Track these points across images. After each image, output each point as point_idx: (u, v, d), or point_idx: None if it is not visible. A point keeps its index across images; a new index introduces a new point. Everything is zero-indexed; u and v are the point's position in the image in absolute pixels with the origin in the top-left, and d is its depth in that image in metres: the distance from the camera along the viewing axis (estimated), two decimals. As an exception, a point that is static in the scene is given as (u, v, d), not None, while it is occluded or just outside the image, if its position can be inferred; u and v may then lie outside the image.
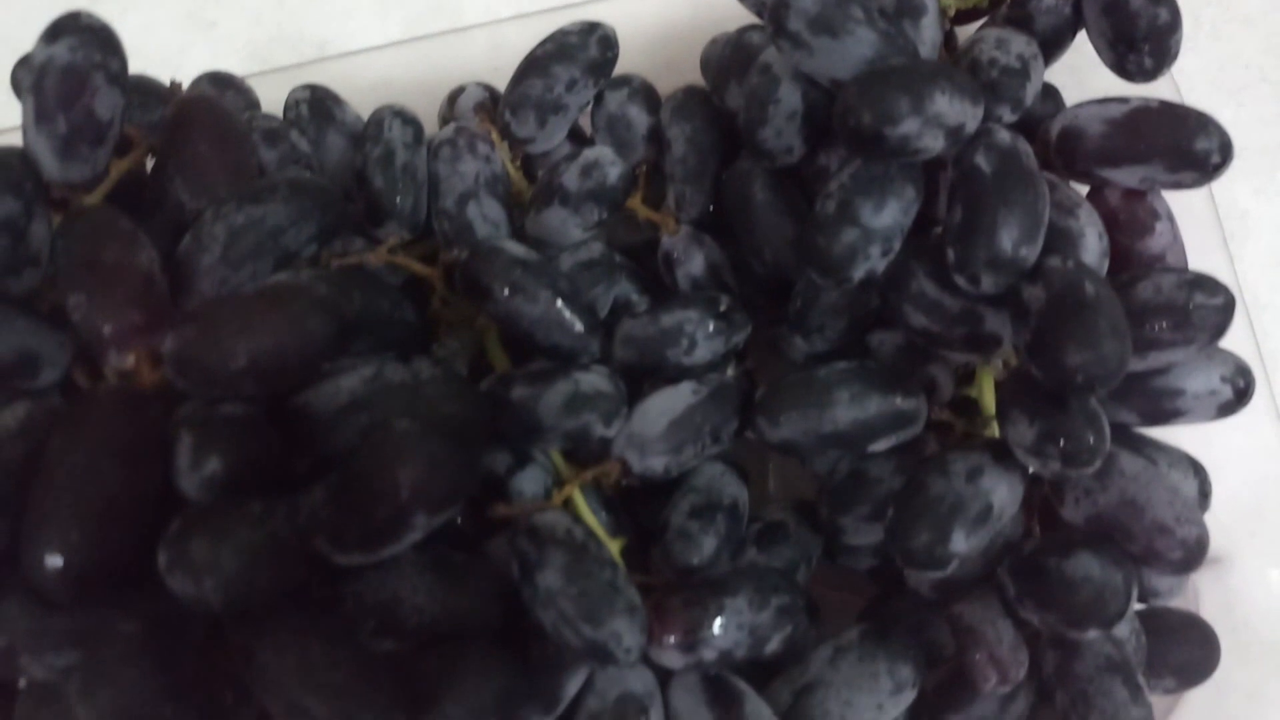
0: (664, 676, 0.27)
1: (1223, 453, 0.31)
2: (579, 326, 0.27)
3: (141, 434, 0.22)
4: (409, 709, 0.22)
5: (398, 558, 0.24)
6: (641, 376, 0.29)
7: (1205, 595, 0.34)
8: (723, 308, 0.29)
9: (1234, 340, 0.28)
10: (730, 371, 0.30)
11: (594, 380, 0.27)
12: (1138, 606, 0.30)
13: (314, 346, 0.22)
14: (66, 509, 0.20)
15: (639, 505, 0.30)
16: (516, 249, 0.27)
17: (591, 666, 0.26)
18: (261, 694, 0.22)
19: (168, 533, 0.20)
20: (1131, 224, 0.30)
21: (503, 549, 0.27)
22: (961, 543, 0.26)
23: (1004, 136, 0.27)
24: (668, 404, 0.28)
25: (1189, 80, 0.34)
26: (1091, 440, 0.25)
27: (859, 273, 0.27)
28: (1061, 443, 0.25)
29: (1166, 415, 0.29)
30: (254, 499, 0.20)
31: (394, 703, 0.21)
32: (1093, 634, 0.26)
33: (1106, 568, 0.26)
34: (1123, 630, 0.28)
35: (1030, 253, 0.26)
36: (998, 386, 0.29)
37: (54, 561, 0.20)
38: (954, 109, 0.26)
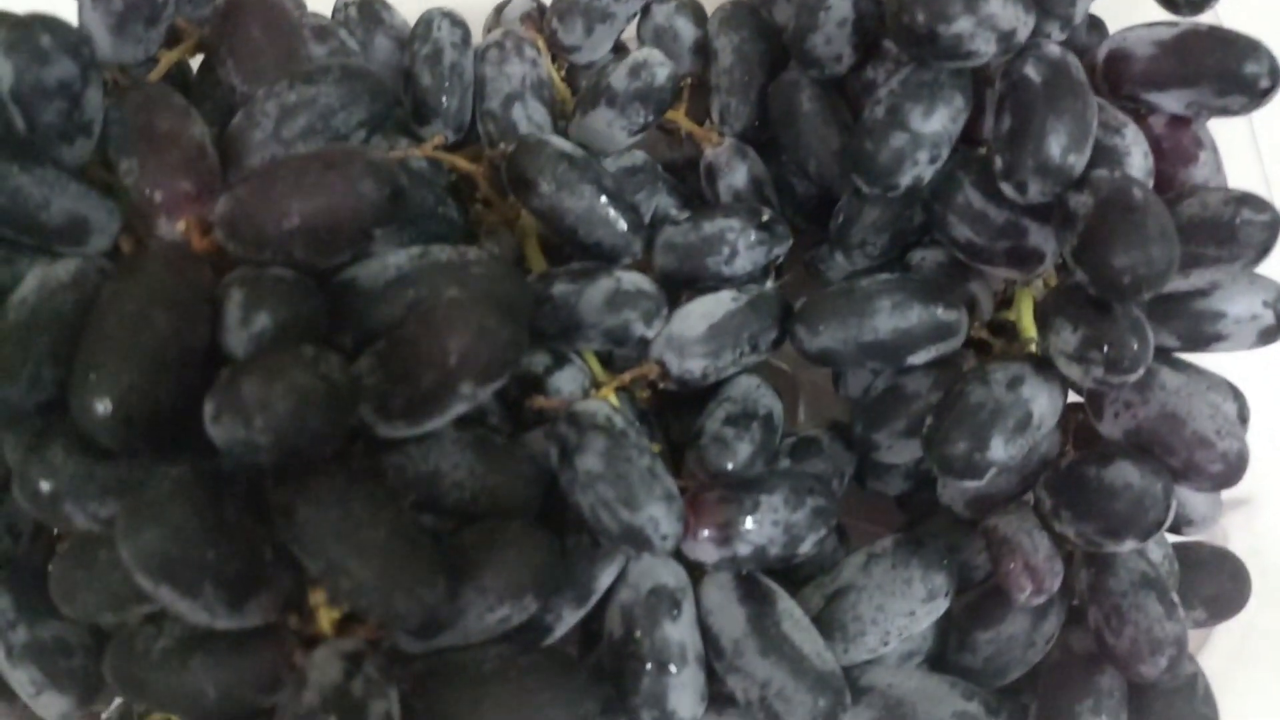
0: (696, 575, 0.27)
1: (1253, 394, 0.31)
2: (623, 224, 0.27)
3: (192, 288, 0.22)
4: (449, 578, 0.22)
5: (439, 434, 0.24)
6: (680, 287, 0.29)
7: (1234, 538, 0.34)
8: (765, 218, 0.29)
9: (1272, 271, 0.28)
10: (769, 284, 0.30)
11: (635, 279, 0.27)
12: (1171, 538, 0.30)
13: (367, 210, 0.22)
14: (117, 354, 0.20)
15: (671, 418, 0.30)
16: (562, 143, 0.27)
17: (625, 558, 0.26)
18: (301, 552, 0.21)
19: (216, 382, 0.20)
20: (1175, 152, 0.30)
21: (539, 443, 0.27)
22: (1000, 450, 0.26)
23: (1053, 49, 0.27)
24: (708, 308, 0.28)
25: (1233, 16, 0.34)
26: (1135, 347, 0.25)
27: (906, 179, 0.27)
28: (1105, 349, 0.25)
29: (1207, 339, 0.28)
30: (307, 345, 0.20)
31: (434, 568, 0.21)
32: (1130, 544, 0.26)
33: (1146, 476, 0.25)
34: (1156, 554, 0.28)
35: (1078, 161, 0.26)
36: (1037, 306, 0.29)
37: (104, 406, 0.20)
38: (1007, 12, 0.26)
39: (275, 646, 0.22)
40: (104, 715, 0.28)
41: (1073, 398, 0.29)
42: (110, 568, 0.23)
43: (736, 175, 0.30)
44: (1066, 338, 0.26)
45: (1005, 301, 0.30)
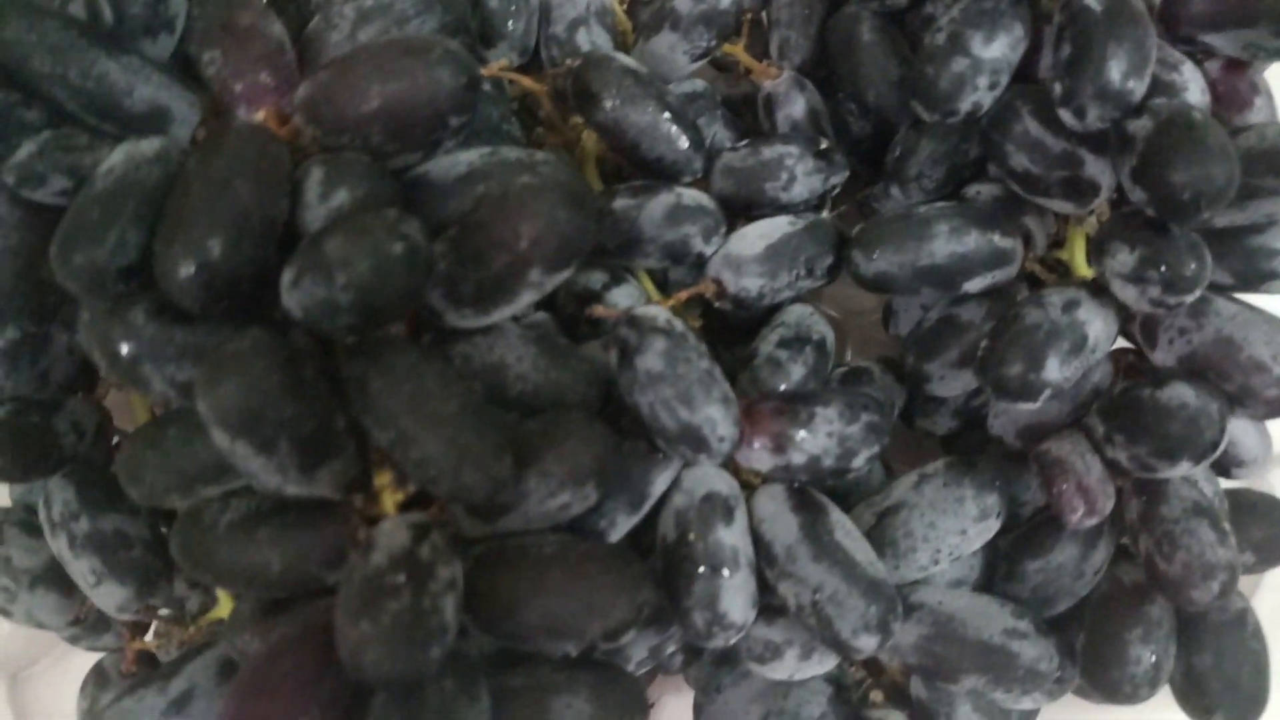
0: (749, 489, 0.27)
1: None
2: (684, 141, 0.27)
3: (274, 163, 0.22)
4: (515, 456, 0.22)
5: (504, 328, 0.25)
6: (737, 213, 0.29)
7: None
8: (823, 146, 0.29)
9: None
10: (825, 213, 0.30)
11: (696, 195, 0.28)
12: (1221, 483, 0.30)
13: (443, 97, 0.23)
14: (201, 219, 0.21)
15: (722, 349, 0.31)
16: (627, 59, 0.28)
17: (680, 465, 0.26)
18: (372, 424, 0.22)
19: (298, 248, 0.21)
20: (1230, 96, 0.30)
21: (597, 353, 0.27)
22: (1055, 371, 0.26)
23: (1114, -19, 0.27)
24: (765, 230, 0.28)
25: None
26: (1193, 266, 0.25)
27: (965, 105, 0.28)
28: (1162, 269, 0.25)
29: (1262, 277, 0.28)
30: (389, 209, 0.21)
31: (502, 444, 0.22)
32: (1184, 467, 0.26)
33: (1201, 396, 0.26)
34: (1208, 490, 0.28)
35: (1138, 87, 0.26)
36: (1091, 240, 0.29)
37: (187, 268, 0.21)
38: (1069, -60, 0.26)
39: (341, 523, 0.23)
40: (161, 612, 0.28)
41: (1121, 343, 0.29)
42: (179, 447, 0.24)
43: (795, 106, 0.31)
44: (1123, 259, 0.26)
45: (1058, 243, 0.30)
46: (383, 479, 0.23)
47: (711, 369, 0.25)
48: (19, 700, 0.36)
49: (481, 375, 0.24)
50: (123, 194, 0.22)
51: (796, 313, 0.29)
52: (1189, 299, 0.25)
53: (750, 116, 0.32)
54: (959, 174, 0.30)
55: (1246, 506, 0.30)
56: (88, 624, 0.30)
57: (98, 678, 0.31)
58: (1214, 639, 0.28)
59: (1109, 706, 0.29)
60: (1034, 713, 0.31)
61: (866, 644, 0.25)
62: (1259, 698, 0.28)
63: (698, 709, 0.30)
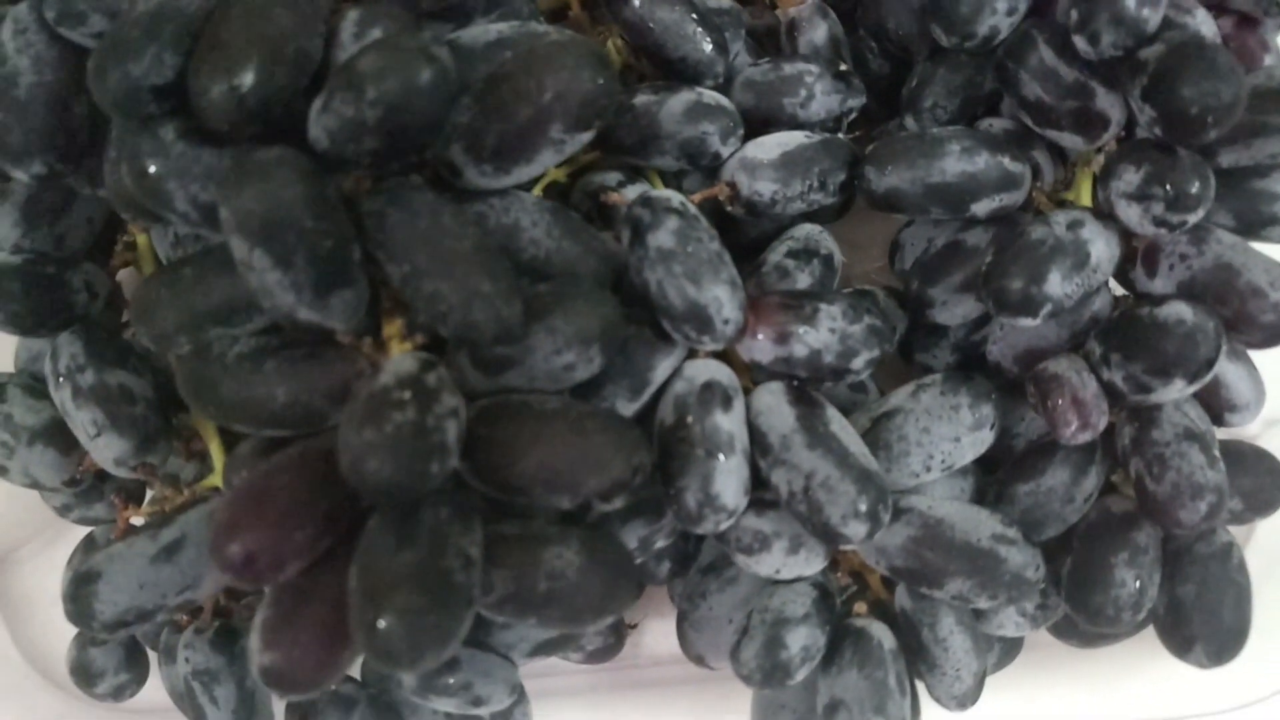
0: (748, 387, 0.27)
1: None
2: (708, 44, 0.28)
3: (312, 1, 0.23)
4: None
5: (521, 195, 0.25)
6: (755, 129, 0.30)
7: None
8: (842, 68, 0.30)
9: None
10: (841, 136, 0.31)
11: (716, 96, 0.28)
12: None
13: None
14: (238, 41, 0.21)
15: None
16: (655, -40, 0.28)
17: (683, 353, 0.27)
18: (387, 259, 0.22)
19: (330, 74, 0.22)
20: (1241, 53, 0.31)
21: (610, 241, 0.27)
22: (1057, 286, 0.27)
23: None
24: (783, 139, 0.29)
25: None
26: (1197, 186, 0.26)
27: (983, 29, 0.28)
28: (1167, 186, 0.26)
29: (1263, 221, 0.29)
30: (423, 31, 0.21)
31: (513, 288, 0.22)
32: (1178, 385, 0.26)
33: (1198, 314, 0.26)
34: (1199, 421, 0.28)
35: (1152, 16, 0.27)
36: (1097, 177, 0.29)
37: (221, 87, 0.21)
38: None
39: (348, 362, 0.23)
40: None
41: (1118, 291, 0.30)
42: (192, 285, 0.24)
43: (817, 32, 0.32)
44: (1129, 179, 0.27)
45: (1065, 187, 0.31)
46: (391, 328, 0.24)
47: (721, 253, 0.26)
48: (2, 584, 0.36)
49: (496, 236, 0.24)
50: (163, 18, 0.22)
51: (806, 229, 0.30)
52: (1191, 218, 0.26)
53: (773, 49, 0.33)
54: (973, 107, 0.31)
55: (1236, 456, 0.30)
56: (82, 488, 0.30)
57: (86, 546, 0.31)
58: (1198, 570, 0.28)
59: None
60: (1017, 645, 0.31)
61: (855, 531, 0.25)
62: (1239, 632, 0.28)
63: (682, 617, 0.30)
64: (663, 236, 0.25)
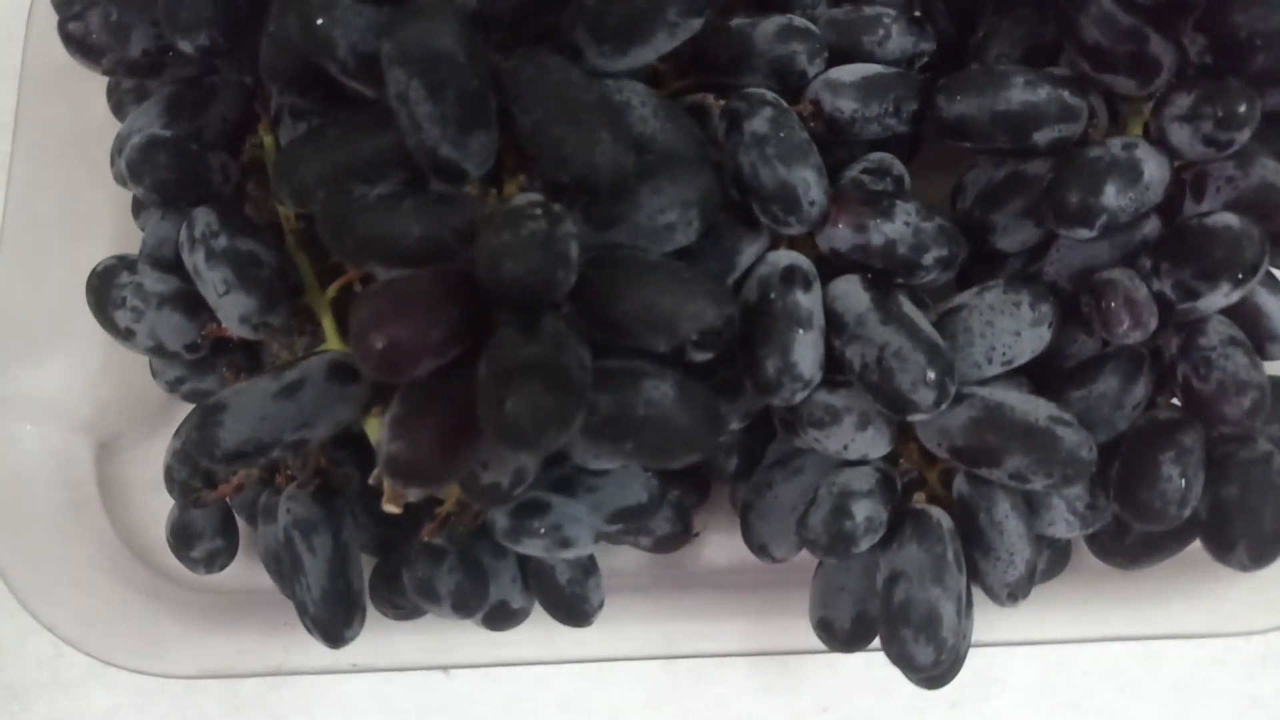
0: (827, 279, 0.30)
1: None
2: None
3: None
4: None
5: (633, 82, 0.28)
6: (836, 64, 0.33)
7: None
8: (917, 14, 0.33)
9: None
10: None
11: (805, 21, 0.31)
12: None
13: None
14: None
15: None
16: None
17: (768, 242, 0.29)
18: (520, 110, 0.25)
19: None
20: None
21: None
22: (1112, 198, 0.29)
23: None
24: (864, 67, 0.32)
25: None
26: (1244, 107, 0.28)
27: (1048, -28, 0.31)
28: (1216, 107, 0.28)
29: (1305, 162, 0.32)
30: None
31: (630, 139, 0.25)
32: (1224, 289, 0.28)
33: (1244, 222, 0.28)
34: (1242, 334, 0.30)
35: (1205, -40, 0.30)
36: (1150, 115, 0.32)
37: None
38: None
39: (476, 205, 0.26)
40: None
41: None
42: (336, 143, 0.27)
43: (894, -14, 0.35)
44: (1180, 103, 0.29)
45: (1120, 131, 0.33)
46: (513, 185, 0.26)
47: (810, 143, 0.28)
48: (103, 471, 0.38)
49: (610, 108, 0.27)
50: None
51: (879, 155, 0.32)
52: (1239, 137, 0.28)
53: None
54: (1035, 57, 0.33)
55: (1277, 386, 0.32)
56: (199, 355, 0.32)
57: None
58: (1240, 473, 0.30)
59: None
60: (1065, 555, 0.33)
61: (924, 398, 0.27)
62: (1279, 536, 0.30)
63: (747, 508, 0.32)
64: (758, 123, 0.28)
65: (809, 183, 0.28)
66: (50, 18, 0.33)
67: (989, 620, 0.33)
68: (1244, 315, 0.31)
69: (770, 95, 0.29)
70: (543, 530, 0.28)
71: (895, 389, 0.27)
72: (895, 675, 0.30)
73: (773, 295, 0.28)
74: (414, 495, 0.27)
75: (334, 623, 0.30)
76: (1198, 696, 0.36)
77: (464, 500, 0.30)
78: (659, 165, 0.26)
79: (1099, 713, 0.36)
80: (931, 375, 0.27)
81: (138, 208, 0.34)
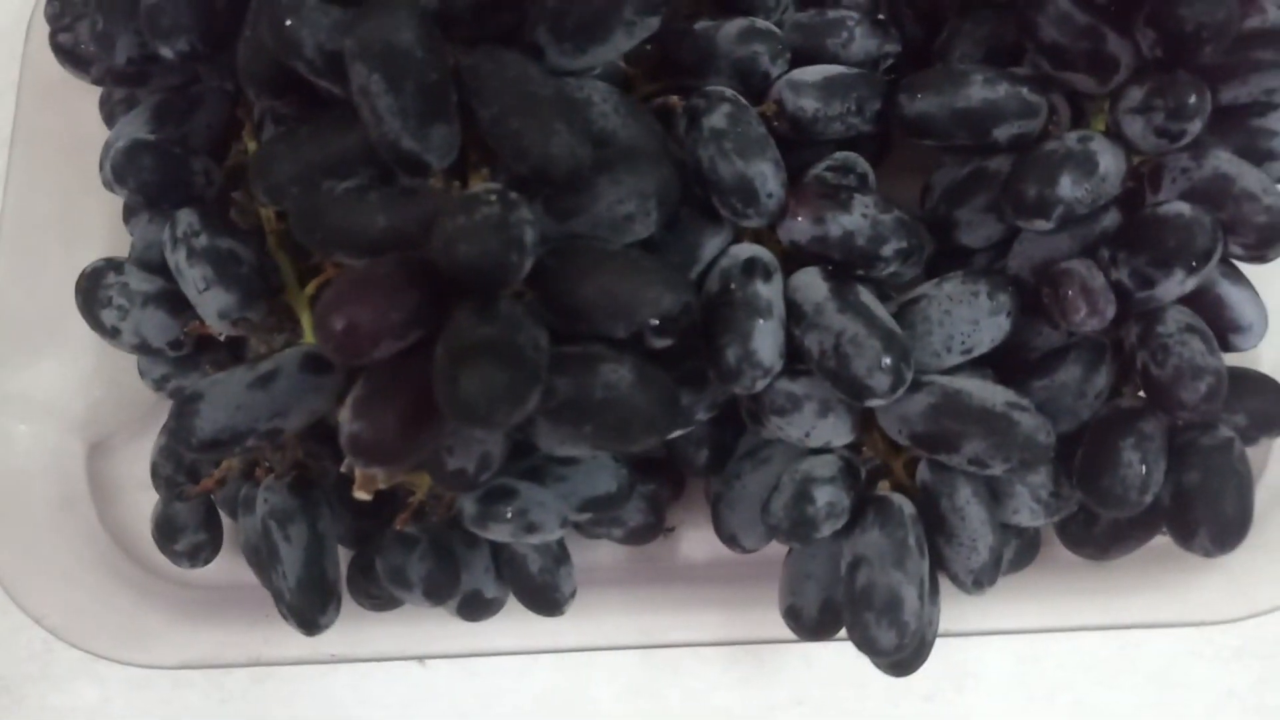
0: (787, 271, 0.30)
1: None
2: (763, -16, 0.32)
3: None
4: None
5: (594, 80, 0.29)
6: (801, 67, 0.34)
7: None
8: (880, 17, 0.34)
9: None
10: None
11: (767, 24, 0.32)
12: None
13: None
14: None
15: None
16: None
17: (729, 236, 0.30)
18: (479, 103, 0.26)
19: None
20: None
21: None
22: (1067, 189, 0.30)
23: None
24: (826, 68, 0.32)
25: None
26: (1194, 98, 0.29)
27: (1007, -28, 0.32)
28: (1168, 99, 0.29)
29: (1262, 156, 0.32)
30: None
31: (586, 134, 0.26)
32: (1178, 276, 0.29)
33: (1196, 211, 0.29)
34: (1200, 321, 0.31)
35: (1156, -41, 0.30)
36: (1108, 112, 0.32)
37: (351, -50, 0.25)
38: None
39: (439, 197, 0.27)
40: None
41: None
42: (308, 141, 0.28)
43: (859, -12, 0.35)
44: (1133, 95, 0.30)
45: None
46: (477, 178, 0.27)
47: (768, 137, 0.29)
48: (94, 469, 0.39)
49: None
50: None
51: (844, 154, 0.33)
52: (1190, 128, 0.29)
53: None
54: (997, 58, 0.34)
55: (1242, 380, 0.33)
56: (183, 352, 0.33)
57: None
58: (1202, 460, 0.30)
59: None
60: (1034, 545, 0.33)
61: (880, 383, 0.27)
62: (1242, 521, 0.30)
63: (717, 499, 0.33)
64: (716, 119, 0.29)
65: (766, 175, 0.28)
66: (46, 34, 0.34)
67: (960, 611, 0.33)
68: (1207, 306, 0.31)
69: (729, 93, 0.30)
70: (509, 515, 0.29)
71: (852, 375, 0.28)
72: (869, 668, 0.31)
73: (733, 286, 0.29)
74: (383, 481, 0.27)
75: (309, 609, 0.30)
76: (1174, 689, 0.36)
77: (436, 491, 0.30)
78: (617, 157, 0.27)
79: (1074, 705, 0.36)
80: (887, 361, 0.27)
81: (128, 213, 0.35)
